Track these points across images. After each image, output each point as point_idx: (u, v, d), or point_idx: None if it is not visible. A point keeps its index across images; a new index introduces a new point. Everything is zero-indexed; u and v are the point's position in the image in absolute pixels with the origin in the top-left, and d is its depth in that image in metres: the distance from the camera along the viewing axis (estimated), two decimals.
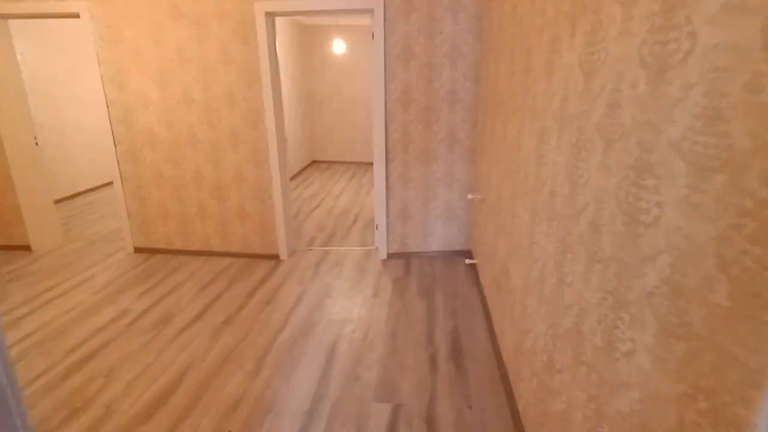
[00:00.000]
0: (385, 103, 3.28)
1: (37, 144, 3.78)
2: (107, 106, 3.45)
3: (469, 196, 2.92)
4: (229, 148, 3.47)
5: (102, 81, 3.40)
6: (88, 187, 5.95)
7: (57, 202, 5.31)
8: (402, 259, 3.64)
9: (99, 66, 3.36)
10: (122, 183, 3.64)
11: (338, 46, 6.82)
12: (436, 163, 3.41)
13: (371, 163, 7.75)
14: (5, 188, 3.67)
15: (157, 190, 3.63)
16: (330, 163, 7.86)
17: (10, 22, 4.74)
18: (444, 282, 3.22)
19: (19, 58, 4.86)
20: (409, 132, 3.35)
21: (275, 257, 3.68)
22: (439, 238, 3.60)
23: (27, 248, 3.82)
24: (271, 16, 3.24)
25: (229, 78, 3.30)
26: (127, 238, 3.78)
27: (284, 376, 2.26)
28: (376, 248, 3.83)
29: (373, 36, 3.19)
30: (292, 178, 6.58)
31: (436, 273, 3.37)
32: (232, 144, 3.45)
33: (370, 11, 3.14)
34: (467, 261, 3.11)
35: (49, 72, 5.31)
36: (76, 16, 3.29)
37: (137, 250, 3.80)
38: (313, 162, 7.85)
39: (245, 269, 3.50)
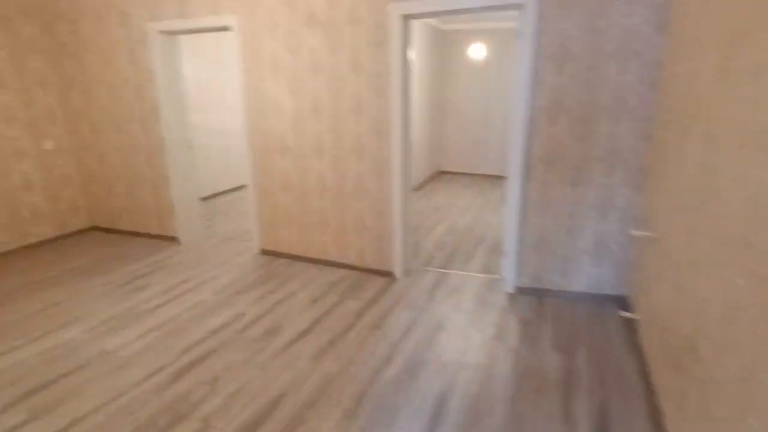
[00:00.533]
0: (529, 112, 2.78)
1: (190, 147, 4.16)
2: (246, 114, 3.60)
3: (635, 232, 2.26)
4: (353, 159, 3.33)
5: (243, 89, 3.55)
6: (230, 187, 6.55)
7: (202, 199, 5.91)
8: (534, 296, 3.07)
9: (242, 75, 3.52)
10: (254, 187, 3.78)
11: (477, 51, 6.42)
12: (587, 186, 2.79)
13: (501, 177, 7.15)
14: (164, 186, 4.11)
15: (284, 196, 3.68)
16: (456, 174, 7.46)
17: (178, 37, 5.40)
18: (589, 336, 2.58)
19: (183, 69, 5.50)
20: (556, 147, 2.79)
21: (389, 274, 3.44)
22: (584, 276, 2.95)
23: (175, 240, 4.23)
24: (406, 19, 3.00)
25: (358, 86, 3.16)
26: (255, 240, 3.92)
27: (383, 426, 1.94)
28: (503, 278, 3.32)
29: (519, 35, 2.73)
30: (415, 190, 6.36)
31: (578, 322, 2.74)
32: (356, 154, 3.31)
33: (518, 6, 2.69)
34: (622, 313, 2.43)
35: (204, 81, 5.96)
36: (227, 29, 3.49)
37: (263, 252, 3.92)
38: (439, 173, 7.55)
39: (358, 284, 3.31)
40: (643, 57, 2.52)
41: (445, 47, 7.03)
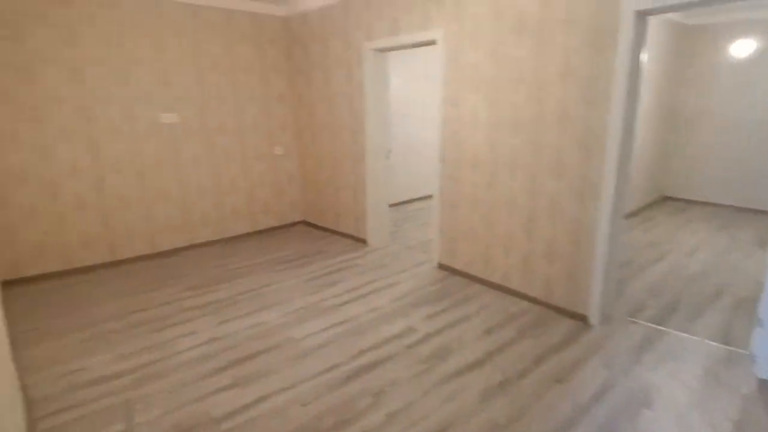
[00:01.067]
0: None
1: (388, 157, 4.39)
2: (441, 125, 3.57)
3: None
4: (551, 176, 2.92)
5: (440, 101, 3.53)
6: (420, 195, 6.73)
7: (392, 205, 6.21)
8: None
9: (441, 87, 3.50)
10: (440, 200, 3.73)
11: (740, 48, 5.07)
12: None
13: (758, 211, 5.42)
14: (361, 192, 4.45)
15: (469, 211, 3.51)
16: (688, 202, 6.01)
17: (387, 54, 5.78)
18: None
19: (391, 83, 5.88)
20: None
21: (582, 318, 2.90)
22: None
23: (364, 242, 4.54)
24: (643, 15, 2.46)
25: (566, 94, 2.75)
26: (435, 252, 3.88)
27: None
28: (752, 356, 2.42)
29: None
30: (627, 216, 5.36)
31: None
32: (555, 172, 2.90)
33: None
34: None
35: (408, 95, 6.24)
36: (434, 42, 3.52)
37: (441, 266, 3.84)
38: (663, 198, 6.21)
39: (541, 322, 2.90)
40: None
41: (690, 46, 5.73)
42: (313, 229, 5.20)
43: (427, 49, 6.25)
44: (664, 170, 6.11)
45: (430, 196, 6.77)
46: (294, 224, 5.36)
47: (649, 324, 2.84)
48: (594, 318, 2.85)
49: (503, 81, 3.08)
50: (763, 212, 5.39)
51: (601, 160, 2.66)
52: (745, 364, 2.38)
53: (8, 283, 3.62)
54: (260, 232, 5.06)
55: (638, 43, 2.50)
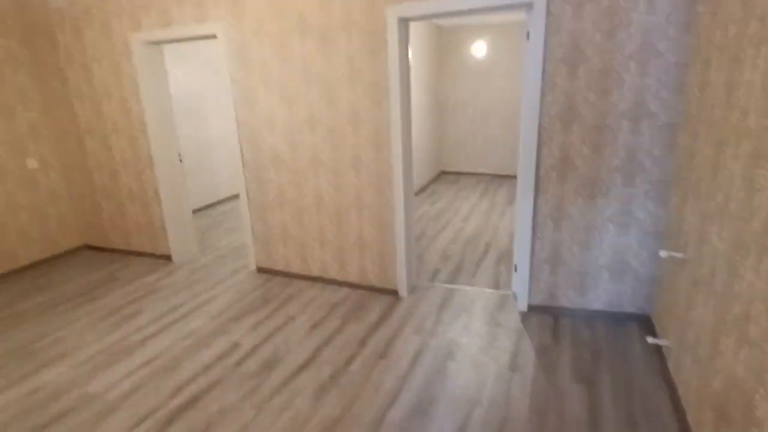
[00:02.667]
0: (540, 119, 2.58)
1: (181, 161, 3.97)
2: (237, 126, 3.40)
3: (663, 253, 2.06)
4: (351, 172, 3.13)
5: (234, 100, 3.35)
6: (226, 195, 6.35)
7: (196, 211, 5.70)
8: (548, 315, 2.88)
9: (232, 85, 3.32)
10: (248, 203, 3.58)
11: (479, 49, 6.21)
12: (605, 198, 2.58)
13: (505, 176, 6.93)
14: (154, 202, 3.92)
15: (279, 211, 3.48)
16: (459, 174, 7.25)
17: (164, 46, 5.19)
18: (611, 361, 2.39)
19: (171, 77, 5.29)
20: (570, 157, 2.58)
21: (394, 293, 3.24)
22: (602, 294, 2.75)
23: (169, 258, 4.05)
24: (405, 21, 2.79)
25: (355, 96, 2.95)
26: (250, 257, 3.73)
27: None
28: (514, 294, 3.13)
29: (528, 36, 2.52)
30: (417, 193, 6.16)
31: (598, 344, 2.54)
32: (354, 168, 3.11)
33: (527, 5, 2.47)
34: (650, 340, 2.23)
35: (195, 89, 5.74)
36: (214, 36, 3.28)
37: (259, 269, 3.73)
38: (441, 173, 7.34)
39: (360, 305, 3.12)
40: (667, 58, 2.30)
41: (445, 44, 6.80)
42: (100, 253, 4.36)
43: (216, 42, 5.79)
44: (438, 150, 7.20)
45: (236, 196, 6.42)
46: (73, 251, 4.39)
47: (445, 285, 3.37)
48: (403, 290, 3.22)
49: (297, 82, 3.10)
50: (509, 177, 6.92)
51: (389, 152, 2.97)
52: (511, 303, 3.06)
53: None
54: (24, 269, 3.98)
55: (404, 45, 2.84)
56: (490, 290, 3.27)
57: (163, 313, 3.14)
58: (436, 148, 6.98)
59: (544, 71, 2.51)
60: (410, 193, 3.16)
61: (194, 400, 2.25)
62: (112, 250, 4.31)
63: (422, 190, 6.36)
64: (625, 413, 2.03)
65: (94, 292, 3.53)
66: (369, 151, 3.03)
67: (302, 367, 2.47)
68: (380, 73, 2.84)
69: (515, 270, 3.07)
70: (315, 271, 3.50)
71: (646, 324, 2.68)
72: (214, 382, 2.38)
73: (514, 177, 6.87)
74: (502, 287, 3.32)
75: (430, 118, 6.53)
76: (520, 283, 2.91)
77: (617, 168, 2.52)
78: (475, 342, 2.63)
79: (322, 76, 3.01)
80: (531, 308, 2.92)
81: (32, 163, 4.03)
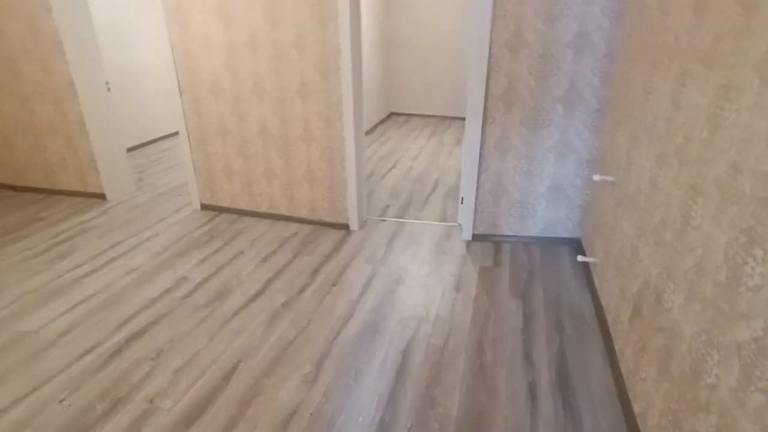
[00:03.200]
0: (490, 48, 2.57)
1: (109, 90, 3.60)
2: (170, 50, 3.11)
3: (596, 177, 2.21)
4: (298, 101, 3.00)
5: (163, 21, 3.03)
6: (164, 134, 5.92)
7: (131, 149, 5.28)
8: (490, 242, 3.04)
9: (162, 3, 2.99)
10: (188, 135, 3.36)
11: None
12: (547, 129, 2.69)
13: (454, 118, 6.99)
14: (79, 135, 3.58)
15: (222, 145, 3.31)
16: (409, 116, 7.20)
17: None
18: (544, 279, 2.60)
19: None
20: (517, 86, 2.63)
21: (344, 227, 3.27)
22: (539, 221, 2.94)
23: (102, 197, 3.78)
24: None
25: (299, 16, 2.77)
26: (193, 194, 3.57)
27: (345, 388, 1.87)
28: (459, 225, 3.26)
29: None
30: (368, 133, 6.08)
31: (533, 265, 2.75)
32: (301, 96, 2.98)
33: None
34: (580, 258, 2.45)
35: (119, 12, 5.14)
36: None
37: (204, 207, 3.59)
38: (391, 114, 7.25)
39: (312, 239, 3.13)
40: None
41: None
42: (18, 193, 3.97)
43: None
44: (389, 90, 7.06)
45: (175, 134, 6.00)
46: None
47: (394, 219, 3.44)
48: (354, 224, 3.25)
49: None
50: (458, 118, 6.98)
51: (338, 80, 2.87)
52: (457, 233, 3.20)
53: None
54: None
55: None
56: (438, 223, 3.39)
57: (100, 252, 2.97)
58: (386, 87, 6.83)
59: None
60: (360, 126, 3.10)
61: (141, 332, 2.21)
62: (33, 189, 3.94)
63: (372, 130, 6.27)
64: (555, 320, 2.25)
65: (15, 234, 3.25)
66: (317, 78, 2.90)
67: (254, 297, 2.48)
68: None
69: (461, 202, 3.18)
70: (264, 207, 3.43)
71: (577, 247, 2.92)
72: (163, 314, 2.34)
73: (462, 119, 6.94)
74: (449, 220, 3.44)
75: (379, 54, 6.32)
76: (465, 215, 3.03)
77: (560, 98, 2.61)
78: (423, 268, 2.75)
79: None
80: (475, 237, 3.07)
81: None
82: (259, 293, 2.51)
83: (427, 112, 7.14)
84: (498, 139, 2.78)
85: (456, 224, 3.34)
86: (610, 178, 2.21)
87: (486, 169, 2.87)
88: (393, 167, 4.74)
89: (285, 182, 3.28)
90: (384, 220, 3.42)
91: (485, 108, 2.72)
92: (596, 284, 2.38)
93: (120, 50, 5.02)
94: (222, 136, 3.28)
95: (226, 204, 3.52)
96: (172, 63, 3.15)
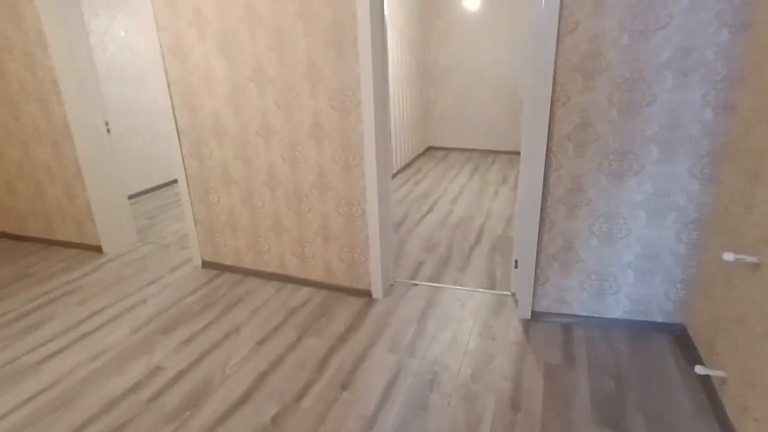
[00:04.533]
0: (555, 73, 1.93)
1: (109, 131, 3.25)
2: (167, 86, 2.68)
3: (729, 257, 1.48)
4: (311, 143, 2.46)
5: (160, 53, 2.63)
6: (172, 179, 5.59)
7: (143, 193, 4.92)
8: (557, 324, 2.30)
9: (157, 34, 2.59)
10: (187, 183, 2.90)
11: (469, 2, 5.49)
12: (636, 178, 1.98)
13: (498, 152, 6.30)
14: (75, 182, 3.21)
15: (225, 194, 2.82)
16: (448, 150, 6.59)
17: None
18: (642, 393, 1.83)
19: (102, 36, 4.48)
20: (593, 122, 1.96)
21: (366, 294, 2.64)
22: (624, 299, 2.18)
23: (98, 249, 3.37)
24: None
25: (311, 43, 2.26)
26: (194, 250, 3.08)
27: None
28: (513, 296, 2.55)
29: None
30: (401, 171, 5.51)
31: (622, 367, 1.98)
32: (313, 137, 2.44)
33: None
34: (700, 370, 1.67)
35: (124, 41, 4.91)
36: None
37: (205, 264, 3.08)
38: (429, 149, 6.67)
39: (324, 311, 2.52)
40: None
41: (435, 0, 6.02)
42: (19, 242, 3.66)
43: None
44: (426, 122, 6.51)
45: None
46: None
47: (428, 284, 2.77)
48: (377, 291, 2.61)
49: (238, 25, 2.40)
50: (502, 152, 6.29)
51: (359, 117, 2.31)
52: (510, 307, 2.48)
53: None
54: None
55: None
56: (484, 291, 2.69)
57: (75, 323, 2.49)
58: (423, 119, 6.30)
59: (561, 5, 1.85)
60: (386, 170, 2.52)
61: None
62: (33, 239, 3.61)
63: (407, 167, 5.70)
64: None
65: (2, 289, 2.86)
66: (332, 116, 2.36)
67: (238, 404, 1.87)
68: (344, 15, 2.15)
69: (515, 266, 2.49)
70: (271, 267, 2.87)
71: (680, 337, 2.12)
72: (118, 426, 1.77)
73: (508, 153, 6.25)
74: (499, 286, 2.74)
75: (416, 84, 5.82)
76: (522, 284, 2.33)
77: (654, 136, 1.90)
78: (467, 363, 2.05)
79: (269, 16, 2.31)
80: (535, 315, 2.34)
81: None
82: (245, 397, 1.90)
83: (468, 146, 6.51)
84: (566, 189, 2.09)
85: (508, 293, 2.63)
86: (751, 258, 1.46)
87: (550, 228, 2.17)
88: (429, 211, 4.11)
89: (295, 238, 2.72)
90: (416, 284, 2.77)
91: (548, 150, 2.05)
92: (727, 411, 1.59)
93: (126, 87, 4.75)
94: (225, 184, 2.79)
95: (229, 261, 2.99)
96: (170, 101, 2.72)
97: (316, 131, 2.43)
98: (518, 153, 6.13)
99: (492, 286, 2.74)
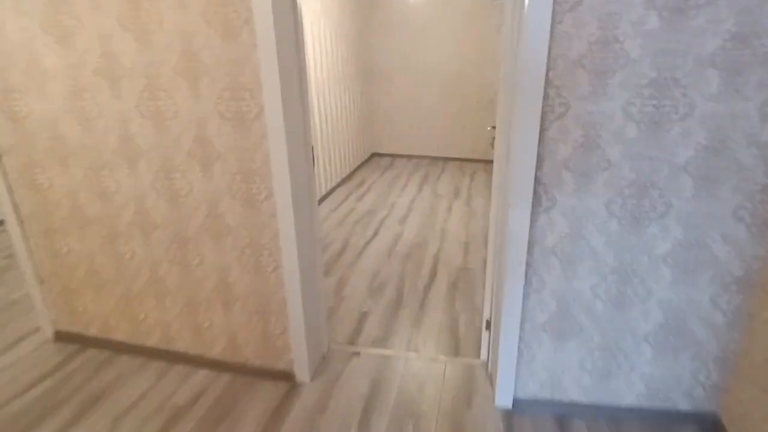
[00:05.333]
0: (547, 68, 1.30)
1: None
2: None
3: None
4: (195, 168, 1.68)
5: None
6: None
7: None
8: (549, 417, 1.68)
9: None
10: (20, 224, 2.00)
11: None
12: (660, 222, 1.39)
13: (448, 159, 5.74)
14: None
15: (79, 238, 1.95)
16: (394, 156, 5.94)
17: None
18: None
19: None
20: (603, 140, 1.35)
21: (286, 377, 1.90)
22: (638, 380, 1.60)
23: None
24: None
25: (186, 20, 1.48)
26: (41, 316, 2.17)
27: None
28: (485, 366, 1.92)
29: None
30: (342, 182, 4.78)
31: None
32: (199, 160, 1.66)
33: None
34: None
35: None
36: None
37: (60, 336, 2.18)
38: (373, 156, 5.99)
39: (226, 409, 1.75)
40: None
41: None
42: None
43: None
44: (369, 127, 5.82)
45: None
46: None
47: (374, 350, 2.07)
48: (302, 371, 1.88)
49: None
50: (452, 159, 5.73)
51: (260, 132, 1.56)
52: (483, 385, 1.84)
53: None
54: None
55: None
56: (446, 359, 2.03)
57: None
58: (365, 124, 5.59)
59: None
60: (309, 203, 1.79)
61: None
62: None
63: (348, 178, 4.98)
64: None
65: None
66: (224, 127, 1.59)
67: None
68: None
69: (486, 327, 1.86)
70: (152, 340, 2.04)
71: (709, 428, 1.58)
72: None
73: (459, 160, 5.70)
74: (464, 346, 2.10)
75: (356, 84, 5.10)
76: (502, 362, 1.68)
77: (686, 165, 1.32)
78: None
79: None
80: (519, 404, 1.71)
81: None
82: None
83: (416, 152, 5.89)
84: (562, 236, 1.47)
85: (478, 361, 1.99)
86: None
87: (539, 289, 1.55)
88: (375, 235, 3.43)
89: (183, 301, 1.92)
90: (357, 353, 2.06)
91: (537, 181, 1.42)
92: None
93: None
94: (78, 226, 1.92)
95: (93, 331, 2.12)
96: None
97: (201, 150, 1.65)
98: (471, 160, 5.61)
99: (455, 347, 2.10)
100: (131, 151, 1.72)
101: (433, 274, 2.82)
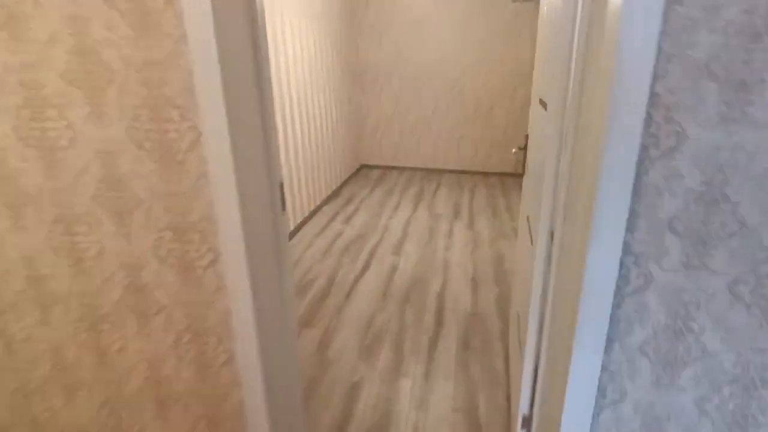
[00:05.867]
0: (654, 74, 0.79)
1: None
2: None
3: None
4: (107, 220, 1.14)
5: None
6: None
7: None
8: None
9: None
10: None
11: None
12: None
13: (444, 171, 5.25)
14: None
15: None
16: (385, 169, 5.43)
17: None
18: None
19: None
20: (736, 190, 0.84)
21: None
22: None
23: None
24: None
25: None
26: None
27: None
28: None
29: None
30: (329, 199, 4.24)
31: None
32: (110, 208, 1.12)
33: None
34: None
35: None
36: None
37: None
38: (362, 168, 5.47)
39: None
40: None
41: None
42: None
43: None
44: (358, 136, 5.31)
45: None
46: None
47: None
48: None
49: None
50: (447, 171, 5.25)
51: (199, 171, 1.03)
52: None
53: None
54: None
55: None
56: None
57: None
58: (354, 133, 5.07)
59: None
60: (275, 255, 1.25)
61: None
62: None
63: (335, 194, 4.45)
64: None
65: None
66: (143, 164, 1.06)
67: None
68: None
69: (523, 426, 1.36)
70: None
71: None
72: None
73: (456, 172, 5.22)
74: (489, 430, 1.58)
75: (343, 90, 4.58)
76: None
77: None
78: None
79: None
80: None
81: None
82: None
83: (408, 164, 5.39)
84: (656, 328, 0.96)
85: None
86: None
87: (619, 400, 1.04)
88: (366, 268, 2.92)
89: (101, 399, 1.36)
90: None
91: (626, 250, 0.91)
92: None
93: None
94: None
95: None
96: None
97: (112, 195, 1.11)
98: (469, 172, 5.12)
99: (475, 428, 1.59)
100: (14, 194, 1.17)
101: (438, 323, 2.31)
